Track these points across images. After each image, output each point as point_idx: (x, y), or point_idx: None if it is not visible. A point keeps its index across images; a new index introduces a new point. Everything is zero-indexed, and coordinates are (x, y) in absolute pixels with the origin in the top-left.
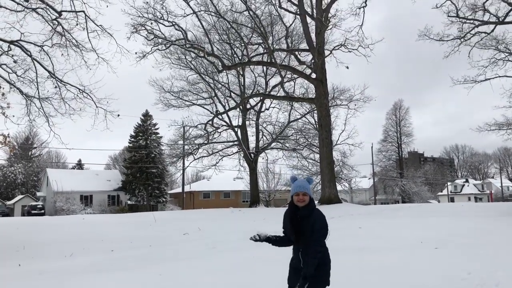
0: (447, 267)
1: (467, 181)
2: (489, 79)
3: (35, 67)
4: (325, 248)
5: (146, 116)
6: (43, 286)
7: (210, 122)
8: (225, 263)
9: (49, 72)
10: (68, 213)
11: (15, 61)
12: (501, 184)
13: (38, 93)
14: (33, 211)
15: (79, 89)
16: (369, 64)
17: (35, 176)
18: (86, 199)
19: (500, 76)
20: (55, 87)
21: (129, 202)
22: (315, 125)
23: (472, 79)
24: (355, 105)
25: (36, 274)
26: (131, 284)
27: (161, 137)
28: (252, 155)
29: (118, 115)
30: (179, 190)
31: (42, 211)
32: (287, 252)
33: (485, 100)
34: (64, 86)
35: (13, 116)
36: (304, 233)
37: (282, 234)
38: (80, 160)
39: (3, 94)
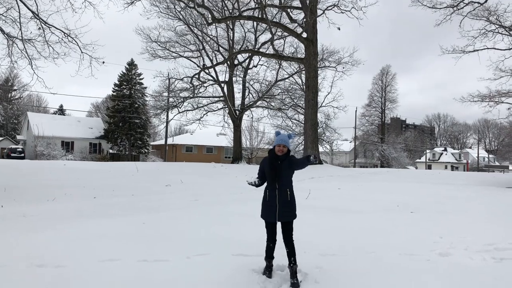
0: (421, 230)
1: (445, 149)
2: (478, 50)
3: (18, 6)
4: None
5: (131, 65)
6: (29, 228)
7: (197, 76)
8: (207, 215)
9: (32, 12)
10: (48, 158)
11: None
12: (478, 154)
13: (21, 33)
14: (12, 154)
15: (64, 32)
16: (361, 27)
17: (15, 119)
18: (68, 145)
19: (488, 48)
20: (39, 28)
21: (110, 151)
22: (302, 86)
23: (461, 49)
24: (343, 68)
25: (20, 216)
26: (115, 231)
27: (145, 87)
28: (237, 112)
29: (103, 62)
30: (162, 142)
31: (22, 154)
32: (256, 208)
33: (472, 71)
34: (48, 28)
35: None
36: (282, 174)
37: (257, 178)
38: (61, 106)
39: None
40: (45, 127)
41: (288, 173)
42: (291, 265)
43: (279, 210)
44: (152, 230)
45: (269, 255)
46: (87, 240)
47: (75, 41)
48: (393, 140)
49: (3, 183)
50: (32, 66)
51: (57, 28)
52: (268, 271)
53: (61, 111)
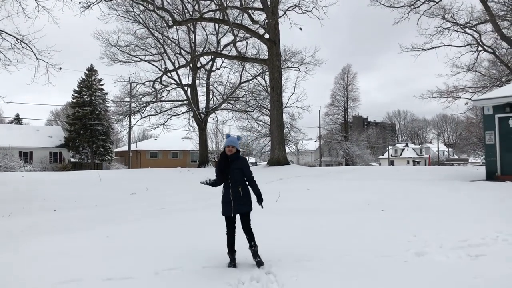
0: (393, 229)
1: (407, 145)
2: (435, 47)
3: None
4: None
5: (91, 70)
6: None
7: (159, 80)
8: (174, 224)
9: None
10: (6, 170)
11: None
12: (438, 149)
13: None
14: None
15: (16, 38)
16: (322, 27)
17: None
18: (26, 156)
19: (445, 45)
20: None
21: (72, 159)
22: (266, 87)
23: (419, 46)
24: (306, 68)
25: None
26: (76, 247)
27: (106, 93)
28: (202, 115)
29: (60, 68)
30: (125, 148)
31: None
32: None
33: (430, 68)
34: None
35: None
36: (233, 172)
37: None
38: (18, 115)
39: None
40: (0, 137)
41: (238, 171)
42: (252, 247)
43: (233, 205)
44: (117, 244)
45: (231, 248)
46: (44, 259)
47: (29, 47)
48: (357, 138)
49: None
50: None
51: (9, 34)
52: (233, 264)
53: (17, 120)
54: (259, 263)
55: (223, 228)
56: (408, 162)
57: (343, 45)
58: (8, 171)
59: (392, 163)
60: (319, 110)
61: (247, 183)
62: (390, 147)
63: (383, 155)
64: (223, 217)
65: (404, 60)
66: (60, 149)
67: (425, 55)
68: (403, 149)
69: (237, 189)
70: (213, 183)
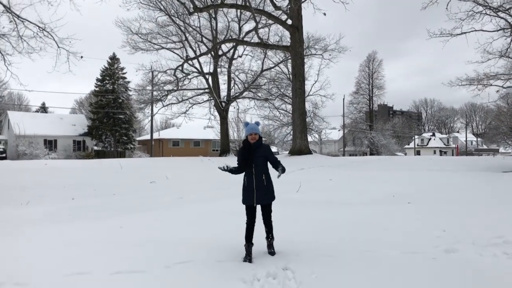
0: (421, 223)
1: (433, 134)
2: (465, 32)
3: None
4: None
5: (113, 59)
6: None
7: (180, 68)
8: (191, 214)
9: (4, 5)
10: (31, 158)
11: None
12: (466, 138)
13: None
14: None
15: (39, 26)
16: (347, 12)
17: None
18: (50, 144)
19: (476, 30)
20: (10, 21)
21: (95, 148)
22: (288, 75)
23: (448, 32)
24: (330, 55)
25: None
26: (89, 237)
27: (129, 82)
28: (223, 103)
29: (82, 57)
30: (148, 137)
31: (4, 154)
32: (242, 206)
33: (459, 54)
34: (22, 22)
35: None
36: (257, 160)
37: (236, 166)
38: (44, 103)
39: None
40: (26, 125)
41: (262, 159)
42: (269, 239)
43: (256, 194)
44: (130, 235)
45: (249, 239)
46: (55, 249)
47: (51, 36)
48: (382, 127)
49: None
50: (5, 62)
51: (31, 22)
52: (248, 258)
53: (43, 109)
54: (272, 253)
55: (241, 218)
56: (434, 152)
57: (369, 31)
58: (33, 159)
59: (418, 153)
60: (343, 99)
61: (269, 171)
62: (416, 136)
63: (409, 144)
64: (243, 207)
65: (432, 47)
66: (84, 138)
67: (455, 41)
68: (430, 139)
69: (261, 178)
70: (233, 171)
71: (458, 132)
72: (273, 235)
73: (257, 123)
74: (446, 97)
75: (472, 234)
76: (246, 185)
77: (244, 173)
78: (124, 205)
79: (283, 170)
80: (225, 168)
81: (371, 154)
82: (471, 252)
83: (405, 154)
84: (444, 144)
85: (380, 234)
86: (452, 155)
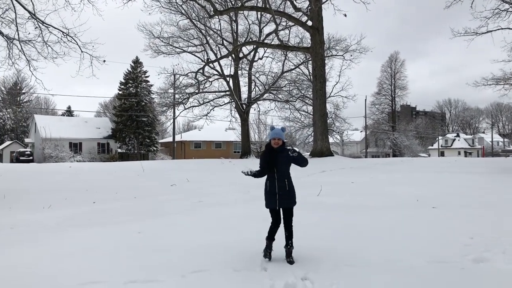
0: (447, 230)
1: (458, 135)
2: (491, 31)
3: (14, 6)
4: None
5: (136, 63)
6: (9, 243)
7: (201, 71)
8: (209, 219)
9: (29, 12)
10: (57, 160)
11: None
12: (492, 139)
13: (18, 34)
14: (21, 158)
15: (62, 32)
16: (368, 12)
17: (24, 122)
18: (76, 147)
19: (502, 28)
20: (36, 28)
21: (119, 150)
22: (309, 76)
23: (473, 31)
24: (351, 56)
25: (7, 228)
26: (106, 243)
27: (151, 85)
28: (244, 105)
29: (104, 61)
30: (170, 139)
31: (31, 157)
32: (262, 211)
33: (484, 53)
34: (46, 28)
35: None
36: (279, 165)
37: (259, 169)
38: (69, 107)
39: None
40: (52, 129)
41: (285, 164)
42: (288, 246)
43: (279, 198)
44: (148, 241)
45: (271, 236)
46: (71, 256)
47: (74, 40)
48: (404, 128)
49: (4, 189)
50: (30, 68)
51: (55, 28)
52: (268, 252)
53: (69, 112)
54: (291, 263)
55: (262, 224)
56: (459, 153)
57: (390, 31)
58: (59, 162)
59: (442, 154)
60: (365, 100)
61: (291, 176)
62: (440, 137)
63: (432, 145)
64: (263, 212)
65: (455, 46)
66: (108, 140)
67: (480, 40)
68: (454, 140)
69: (283, 183)
70: (256, 174)
71: (483, 132)
72: (293, 244)
73: (283, 129)
74: (470, 97)
75: (502, 242)
76: (268, 189)
77: (266, 177)
78: (144, 209)
79: (299, 154)
80: (249, 173)
81: (394, 155)
82: (501, 262)
83: (429, 155)
84: (469, 145)
85: (404, 241)
86: (478, 156)
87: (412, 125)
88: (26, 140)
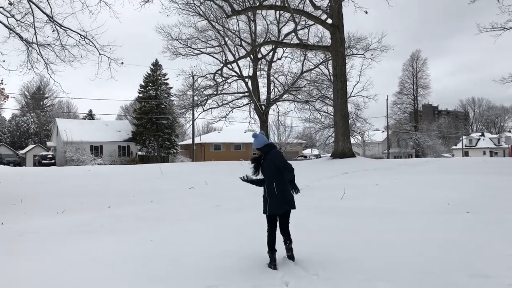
0: (485, 238)
1: (482, 134)
2: None
3: (32, 10)
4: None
5: (156, 65)
6: (11, 250)
7: (219, 72)
8: (225, 226)
9: (47, 15)
10: (78, 163)
11: (10, 3)
12: None
13: (36, 38)
14: (43, 161)
15: (80, 34)
16: (390, 8)
17: (47, 126)
18: (96, 150)
19: None
20: (53, 30)
21: (139, 153)
22: (329, 76)
23: (500, 25)
24: (372, 54)
25: (16, 236)
26: (115, 252)
27: (171, 87)
28: (263, 107)
29: (122, 63)
30: (190, 141)
31: (53, 161)
32: None
33: (509, 50)
34: (64, 31)
35: (4, 61)
36: (265, 170)
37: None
38: (91, 111)
39: None
40: (73, 132)
41: (270, 168)
42: (287, 243)
43: (269, 203)
44: (159, 250)
45: (271, 247)
46: (76, 267)
47: (92, 43)
48: (427, 128)
49: (22, 193)
50: (48, 71)
51: (73, 31)
52: (273, 264)
53: (90, 115)
54: (290, 257)
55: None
56: (484, 153)
57: (412, 28)
58: (80, 165)
59: (466, 154)
60: (387, 99)
61: (284, 179)
62: (464, 137)
63: (456, 145)
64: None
65: (479, 43)
66: (128, 143)
67: (507, 36)
68: (479, 139)
69: (271, 187)
70: (257, 182)
71: (510, 131)
72: (291, 239)
73: (255, 135)
74: (495, 95)
75: None
76: (263, 197)
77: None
78: (158, 215)
79: (296, 190)
80: (245, 178)
81: (417, 155)
82: None
83: (453, 155)
84: (495, 144)
85: (438, 251)
86: (504, 156)
87: (434, 124)
88: (48, 143)
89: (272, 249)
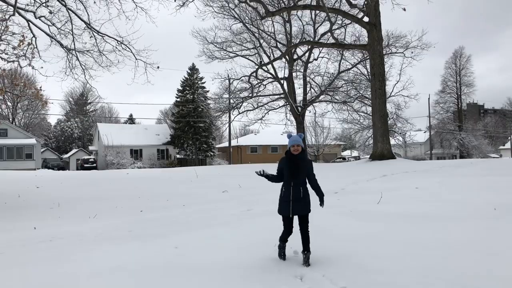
0: None
1: None
2: None
3: (70, 17)
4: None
5: (193, 69)
6: (37, 257)
7: (254, 74)
8: (254, 232)
9: (85, 22)
10: (118, 167)
11: (50, 12)
12: None
13: (74, 45)
14: (85, 165)
15: (117, 40)
16: (430, 4)
17: (90, 131)
18: (136, 153)
19: None
20: (91, 37)
21: (178, 156)
22: (367, 76)
23: None
24: (412, 52)
25: (47, 240)
26: (139, 261)
27: (207, 91)
28: (299, 108)
29: (158, 67)
30: (227, 144)
31: (94, 164)
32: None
33: None
34: (102, 38)
35: (41, 67)
36: (298, 172)
37: (275, 174)
38: (131, 115)
39: (29, 44)
40: (114, 136)
41: (303, 172)
42: (305, 252)
43: (293, 205)
44: (183, 257)
45: (284, 239)
46: (97, 277)
47: (129, 48)
48: (472, 127)
49: (60, 197)
50: (85, 76)
51: (110, 37)
52: (282, 252)
53: (131, 120)
54: (307, 266)
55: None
56: None
57: (454, 24)
58: (120, 168)
59: None
60: (428, 98)
61: (308, 184)
62: None
63: (504, 145)
64: (314, 224)
65: None
66: (167, 146)
67: None
68: None
69: (298, 190)
70: (271, 178)
71: None
72: (309, 248)
73: (300, 136)
74: None
75: None
76: (283, 196)
77: (282, 183)
78: (189, 219)
79: (322, 202)
80: (261, 172)
81: (461, 156)
82: None
83: (500, 155)
84: None
85: (487, 264)
86: None
87: (480, 124)
88: (90, 147)
89: (283, 241)
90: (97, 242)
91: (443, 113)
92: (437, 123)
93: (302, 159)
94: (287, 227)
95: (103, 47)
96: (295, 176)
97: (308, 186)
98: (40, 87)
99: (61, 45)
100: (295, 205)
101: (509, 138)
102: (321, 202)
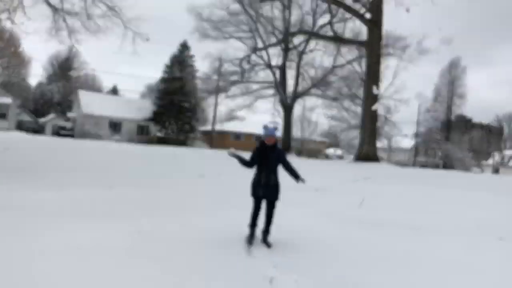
0: None
1: None
2: None
3: None
4: None
5: (184, 46)
6: None
7: (247, 58)
8: (227, 224)
9: None
10: (95, 138)
11: None
12: None
13: (62, 4)
14: (61, 132)
15: (108, 5)
16: (434, 8)
17: (70, 97)
18: (115, 126)
19: None
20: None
21: (158, 134)
22: (361, 75)
23: None
24: (409, 56)
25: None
26: (92, 241)
27: (197, 70)
28: (289, 99)
29: (147, 39)
30: (210, 128)
31: (71, 132)
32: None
33: None
34: (92, 1)
35: (22, 23)
36: (269, 162)
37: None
38: (115, 86)
39: None
40: (94, 106)
41: (274, 161)
42: (265, 232)
43: (263, 189)
44: (141, 243)
45: (254, 223)
46: (50, 255)
47: (119, 16)
48: (459, 139)
49: (30, 162)
50: (71, 39)
51: (101, 1)
52: (251, 238)
53: (114, 91)
54: (268, 245)
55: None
56: None
57: (456, 32)
58: (98, 139)
59: (496, 171)
60: (419, 105)
61: (279, 170)
62: (496, 153)
63: (486, 161)
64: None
65: None
66: (148, 123)
67: None
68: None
69: (269, 177)
70: (242, 161)
71: None
72: (270, 229)
73: (275, 128)
74: None
75: None
76: (255, 181)
77: (255, 169)
78: (158, 203)
79: (300, 178)
80: (234, 155)
81: (444, 167)
82: None
83: (482, 171)
84: None
85: (473, 283)
86: None
87: (466, 137)
88: (69, 114)
89: (253, 225)
90: (56, 217)
91: (432, 121)
92: (425, 130)
93: (274, 150)
94: (257, 206)
95: (93, 11)
96: (266, 164)
97: (280, 175)
98: (20, 45)
99: (49, 3)
100: (265, 189)
101: (492, 154)
102: (300, 179)
